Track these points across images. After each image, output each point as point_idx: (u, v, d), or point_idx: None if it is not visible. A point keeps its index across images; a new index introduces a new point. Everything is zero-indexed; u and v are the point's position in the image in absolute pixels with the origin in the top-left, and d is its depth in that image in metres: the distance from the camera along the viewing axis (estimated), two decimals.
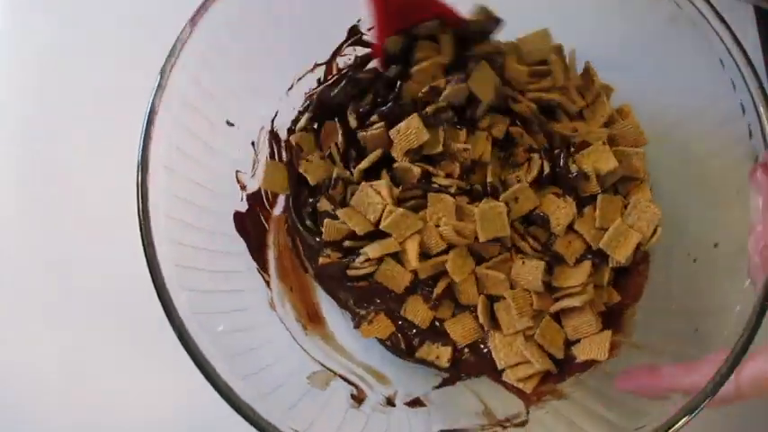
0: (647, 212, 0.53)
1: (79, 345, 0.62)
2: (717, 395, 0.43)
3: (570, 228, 0.54)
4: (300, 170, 0.58)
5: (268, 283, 0.58)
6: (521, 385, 0.52)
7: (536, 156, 0.56)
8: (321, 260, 0.57)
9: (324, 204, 0.57)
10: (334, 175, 0.57)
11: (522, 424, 0.52)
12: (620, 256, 0.52)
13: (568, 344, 0.53)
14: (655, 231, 0.53)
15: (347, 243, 0.56)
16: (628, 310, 0.55)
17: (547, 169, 0.55)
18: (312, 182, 0.58)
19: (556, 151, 0.56)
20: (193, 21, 0.50)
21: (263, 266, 0.59)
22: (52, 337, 0.63)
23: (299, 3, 0.57)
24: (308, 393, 0.52)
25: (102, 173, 0.63)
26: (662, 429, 0.43)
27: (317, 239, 0.58)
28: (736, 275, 0.47)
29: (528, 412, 0.53)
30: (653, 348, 0.52)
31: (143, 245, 0.47)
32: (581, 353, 0.52)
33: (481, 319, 0.54)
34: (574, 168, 0.54)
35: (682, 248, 0.54)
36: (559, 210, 0.54)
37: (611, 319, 0.55)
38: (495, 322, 0.54)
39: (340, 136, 0.58)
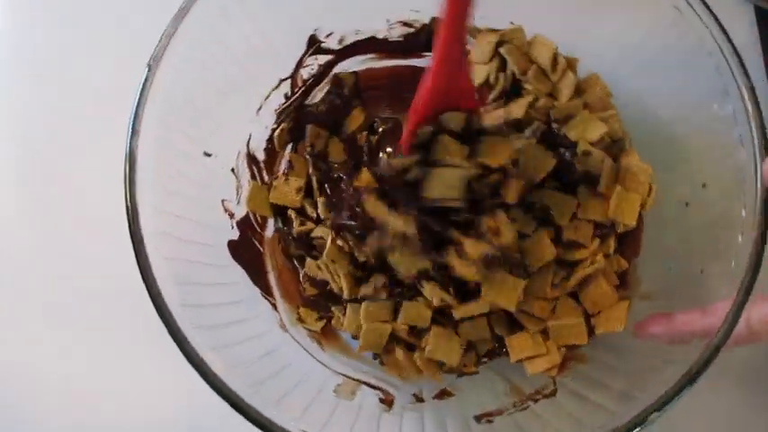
0: (639, 173, 0.54)
1: (79, 345, 0.62)
2: (731, 337, 0.43)
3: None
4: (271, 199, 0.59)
5: (275, 306, 0.58)
6: (545, 374, 0.53)
7: None
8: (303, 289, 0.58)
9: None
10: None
11: (553, 393, 0.53)
12: (629, 219, 0.53)
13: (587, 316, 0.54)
14: (650, 189, 0.54)
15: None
16: (630, 266, 0.56)
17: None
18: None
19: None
20: (155, 62, 0.50)
21: (266, 290, 0.58)
22: (52, 337, 0.63)
23: (252, 25, 0.57)
24: (338, 406, 0.52)
25: (101, 172, 0.59)
26: (693, 370, 0.44)
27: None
28: (730, 212, 0.49)
29: (555, 381, 0.53)
30: (662, 295, 0.53)
31: (150, 296, 0.47)
32: (600, 325, 0.53)
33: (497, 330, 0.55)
34: (580, 168, 0.54)
35: (672, 195, 0.55)
36: (562, 204, 0.54)
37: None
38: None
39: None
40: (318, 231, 0.57)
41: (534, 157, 0.54)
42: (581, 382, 0.52)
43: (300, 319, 0.57)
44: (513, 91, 0.60)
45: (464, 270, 0.49)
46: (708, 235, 0.51)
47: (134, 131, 0.49)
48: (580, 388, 0.52)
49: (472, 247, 0.49)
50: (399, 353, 0.54)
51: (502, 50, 0.59)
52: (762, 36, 0.66)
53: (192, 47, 0.52)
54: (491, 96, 0.59)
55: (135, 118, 0.49)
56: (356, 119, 0.61)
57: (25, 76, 0.70)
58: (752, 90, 0.48)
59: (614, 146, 0.57)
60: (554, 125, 0.57)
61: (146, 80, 0.49)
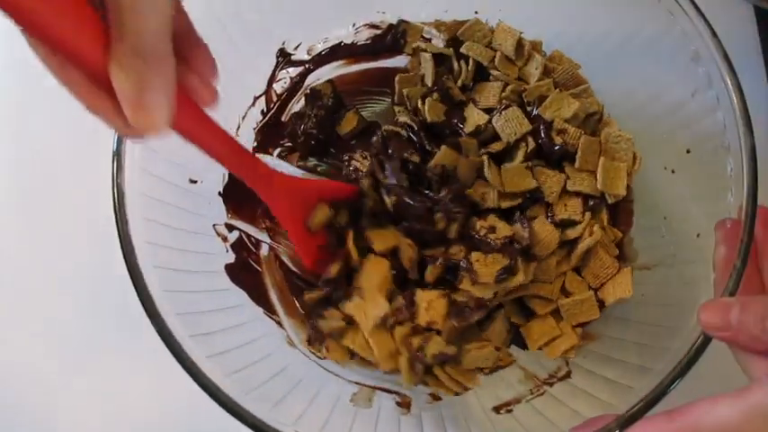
0: (620, 141, 0.55)
1: (78, 346, 0.62)
2: None
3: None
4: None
5: (280, 324, 0.58)
6: (564, 356, 0.53)
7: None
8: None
9: None
10: None
11: (567, 375, 0.53)
12: (618, 189, 0.54)
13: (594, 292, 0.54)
14: (635, 157, 0.55)
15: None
16: (625, 238, 0.57)
17: (532, 145, 0.55)
18: None
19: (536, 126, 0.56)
20: None
21: (269, 309, 0.58)
22: (51, 338, 0.62)
23: (224, 44, 0.56)
24: (357, 415, 0.52)
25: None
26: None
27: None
28: (717, 172, 0.49)
29: (568, 363, 0.54)
30: (662, 263, 0.54)
31: (158, 333, 0.46)
32: (608, 296, 0.53)
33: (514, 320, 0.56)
34: (558, 140, 0.55)
35: (657, 164, 0.55)
36: (550, 179, 0.54)
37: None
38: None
39: None
40: None
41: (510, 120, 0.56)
42: (594, 361, 0.53)
43: (310, 343, 0.57)
44: (481, 77, 0.61)
45: (480, 292, 0.51)
46: (698, 198, 0.52)
47: (119, 168, 0.48)
48: (594, 367, 0.52)
49: (483, 268, 0.51)
50: (439, 372, 0.53)
51: (463, 50, 0.60)
52: (762, 36, 0.66)
53: None
54: (458, 83, 0.60)
55: (118, 154, 0.49)
56: (350, 121, 0.61)
57: (13, 77, 0.68)
58: (723, 51, 0.49)
59: (591, 119, 0.58)
60: (528, 108, 0.57)
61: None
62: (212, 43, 0.54)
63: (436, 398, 0.55)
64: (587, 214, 0.55)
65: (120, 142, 0.49)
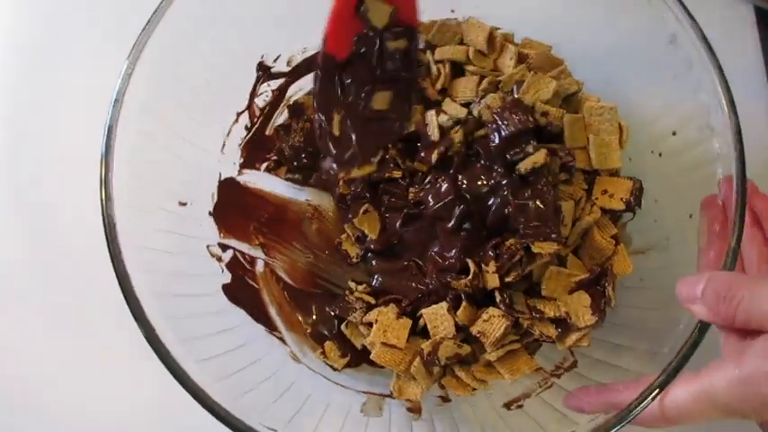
0: (603, 113, 0.55)
1: (77, 347, 0.61)
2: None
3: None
4: None
5: (282, 340, 0.57)
6: (576, 346, 0.53)
7: None
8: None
9: None
10: None
11: (574, 365, 0.53)
12: (614, 162, 0.54)
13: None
14: (621, 128, 0.55)
15: None
16: (618, 222, 0.57)
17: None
18: None
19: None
20: (114, 123, 0.49)
21: (270, 326, 0.58)
22: (45, 341, 0.62)
23: (203, 62, 0.56)
24: (369, 424, 0.52)
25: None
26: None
27: None
28: (704, 150, 0.50)
29: (572, 353, 0.54)
30: (657, 247, 0.54)
31: (163, 362, 0.46)
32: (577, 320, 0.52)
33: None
34: (543, 121, 0.55)
35: (646, 147, 0.56)
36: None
37: None
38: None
39: None
40: None
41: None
42: (599, 349, 0.53)
43: (324, 354, 0.56)
44: (457, 74, 0.61)
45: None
46: (688, 179, 0.52)
47: (108, 197, 0.48)
48: (600, 355, 0.52)
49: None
50: (461, 372, 0.53)
51: (437, 55, 0.60)
52: (762, 36, 0.65)
53: (150, 98, 0.51)
54: (437, 85, 0.60)
55: (105, 184, 0.48)
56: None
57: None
58: (700, 32, 0.49)
59: (572, 98, 0.59)
60: (508, 98, 0.57)
61: (107, 147, 0.48)
62: (191, 60, 0.55)
63: (446, 400, 0.55)
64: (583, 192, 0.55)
65: (106, 170, 0.48)
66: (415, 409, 0.54)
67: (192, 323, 0.50)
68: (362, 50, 0.52)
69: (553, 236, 0.52)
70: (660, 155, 0.55)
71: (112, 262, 0.47)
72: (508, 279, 0.53)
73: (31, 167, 0.66)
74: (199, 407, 0.45)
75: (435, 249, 0.57)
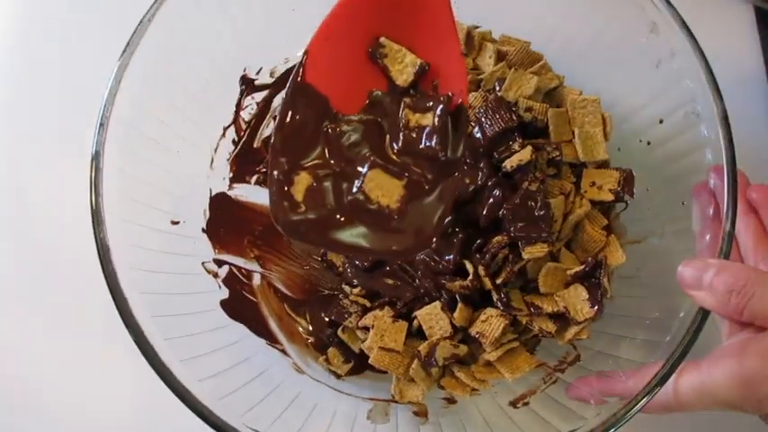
0: (586, 105, 0.56)
1: (77, 347, 0.61)
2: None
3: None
4: None
5: (284, 352, 0.57)
6: (576, 339, 0.53)
7: None
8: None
9: None
10: None
11: (577, 358, 0.53)
12: (600, 154, 0.54)
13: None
14: (604, 119, 0.56)
15: None
16: (611, 214, 0.57)
17: None
18: None
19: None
20: (100, 148, 0.49)
21: (271, 339, 0.58)
22: (45, 341, 0.62)
23: (186, 79, 0.55)
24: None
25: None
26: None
27: None
28: (692, 136, 0.50)
29: (575, 346, 0.54)
30: (652, 235, 0.54)
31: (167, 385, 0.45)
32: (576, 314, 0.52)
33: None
34: (528, 117, 0.55)
35: (633, 136, 0.56)
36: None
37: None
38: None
39: None
40: None
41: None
42: (602, 341, 0.53)
43: (328, 361, 0.56)
44: None
45: None
46: (678, 166, 0.53)
47: (99, 222, 0.47)
48: (603, 347, 0.53)
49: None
50: (460, 373, 0.53)
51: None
52: (762, 36, 0.65)
53: (135, 118, 0.51)
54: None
55: (96, 210, 0.48)
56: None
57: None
58: (680, 19, 0.49)
59: (554, 93, 0.59)
60: (490, 96, 0.57)
61: (95, 171, 0.48)
62: (174, 77, 0.55)
63: (452, 401, 0.55)
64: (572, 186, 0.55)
65: (96, 195, 0.48)
66: (421, 413, 0.54)
67: (192, 342, 0.50)
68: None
69: (543, 235, 0.52)
70: (648, 143, 0.55)
71: (108, 285, 0.47)
72: (499, 280, 0.53)
73: (31, 167, 0.66)
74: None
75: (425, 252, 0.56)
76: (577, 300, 0.52)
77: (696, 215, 0.50)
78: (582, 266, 0.53)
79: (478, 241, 0.55)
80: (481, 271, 0.53)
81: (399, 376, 0.54)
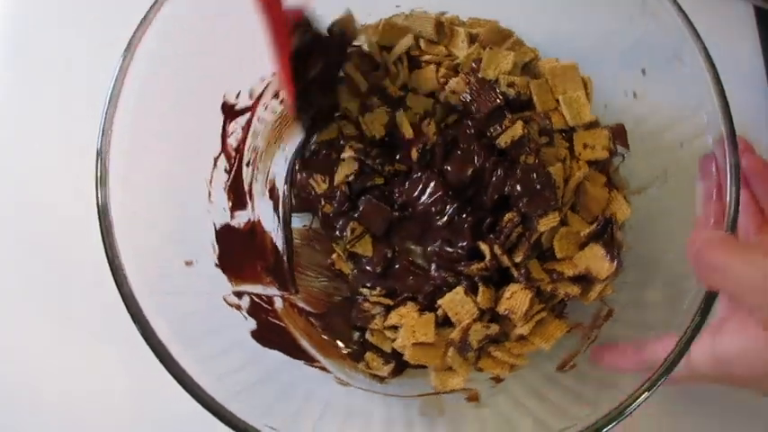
0: (566, 72, 0.57)
1: (76, 347, 0.62)
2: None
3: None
4: None
5: (324, 368, 0.57)
6: (600, 298, 0.54)
7: None
8: None
9: None
10: None
11: (610, 314, 0.55)
12: (587, 117, 0.56)
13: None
14: (585, 82, 0.58)
15: None
16: (609, 169, 0.59)
17: None
18: None
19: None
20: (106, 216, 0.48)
21: (308, 359, 0.57)
22: (45, 340, 0.63)
23: (170, 116, 0.54)
24: (436, 425, 0.52)
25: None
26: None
27: None
28: (676, 83, 0.51)
29: (605, 302, 0.55)
30: (657, 181, 0.55)
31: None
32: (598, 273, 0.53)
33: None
34: (512, 92, 0.56)
35: (618, 90, 0.58)
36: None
37: None
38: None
39: None
40: None
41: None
42: (624, 293, 0.54)
43: (368, 367, 0.56)
44: (415, 66, 0.61)
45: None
46: (668, 109, 0.54)
47: (122, 282, 0.46)
48: (632, 296, 0.54)
49: None
50: (496, 353, 0.54)
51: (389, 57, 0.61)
52: (762, 36, 0.66)
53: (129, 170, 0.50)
54: (397, 84, 0.61)
55: (114, 267, 0.46)
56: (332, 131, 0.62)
57: None
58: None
59: (530, 65, 0.60)
60: (470, 78, 0.58)
61: (103, 219, 0.47)
62: (157, 115, 0.53)
63: (498, 380, 0.56)
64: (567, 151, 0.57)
65: (112, 251, 0.47)
66: (472, 397, 0.55)
67: (233, 379, 0.49)
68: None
69: (552, 203, 0.53)
70: (635, 95, 0.57)
71: (142, 333, 0.46)
72: (518, 259, 0.54)
73: (30, 167, 0.67)
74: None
75: (436, 244, 0.57)
76: (596, 258, 0.53)
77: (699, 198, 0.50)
78: (594, 225, 0.54)
79: (488, 220, 0.56)
80: (497, 250, 0.54)
81: (437, 368, 0.54)
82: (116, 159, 0.48)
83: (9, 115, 0.69)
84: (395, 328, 0.56)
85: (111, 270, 0.46)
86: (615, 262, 0.52)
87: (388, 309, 0.57)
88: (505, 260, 0.54)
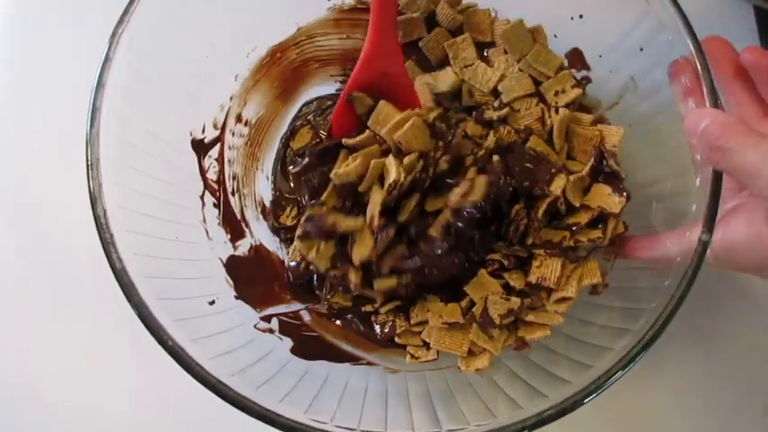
0: (516, 32, 0.59)
1: (76, 347, 0.62)
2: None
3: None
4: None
5: (371, 363, 0.57)
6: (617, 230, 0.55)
7: None
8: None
9: None
10: None
11: (625, 228, 0.55)
12: (555, 61, 0.58)
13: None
14: (534, 33, 0.60)
15: None
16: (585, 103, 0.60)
17: None
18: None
19: None
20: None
21: (353, 359, 0.57)
22: (44, 340, 0.62)
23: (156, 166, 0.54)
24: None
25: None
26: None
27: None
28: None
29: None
30: (627, 89, 0.57)
31: None
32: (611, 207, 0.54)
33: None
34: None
35: (564, 17, 0.59)
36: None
37: None
38: None
39: None
40: None
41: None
42: (628, 216, 0.55)
43: (414, 357, 0.56)
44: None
45: None
46: (619, 21, 0.55)
47: (153, 327, 0.46)
48: (634, 221, 0.55)
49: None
50: (534, 317, 0.54)
51: None
52: (762, 36, 0.66)
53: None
54: None
55: (143, 316, 0.46)
56: (304, 136, 0.63)
57: None
58: None
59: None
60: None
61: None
62: (140, 161, 0.53)
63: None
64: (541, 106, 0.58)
65: (145, 311, 0.46)
66: (521, 345, 0.55)
67: (297, 395, 0.49)
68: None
69: (553, 170, 0.54)
70: (581, 17, 0.58)
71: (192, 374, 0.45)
72: (530, 241, 0.54)
73: (30, 167, 0.66)
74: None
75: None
76: (605, 196, 0.54)
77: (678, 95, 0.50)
78: (591, 162, 0.55)
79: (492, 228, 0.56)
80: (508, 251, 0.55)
81: (464, 354, 0.54)
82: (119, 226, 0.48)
83: (9, 115, 0.69)
84: (421, 323, 0.56)
85: (151, 330, 0.46)
86: (624, 194, 0.53)
87: (400, 309, 0.57)
88: (521, 251, 0.55)
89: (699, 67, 0.48)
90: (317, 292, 0.59)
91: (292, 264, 0.59)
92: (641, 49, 0.54)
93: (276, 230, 0.62)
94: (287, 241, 0.61)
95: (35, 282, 0.64)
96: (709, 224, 0.46)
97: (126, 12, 0.50)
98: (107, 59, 0.49)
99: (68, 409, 0.61)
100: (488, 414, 0.49)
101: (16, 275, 0.64)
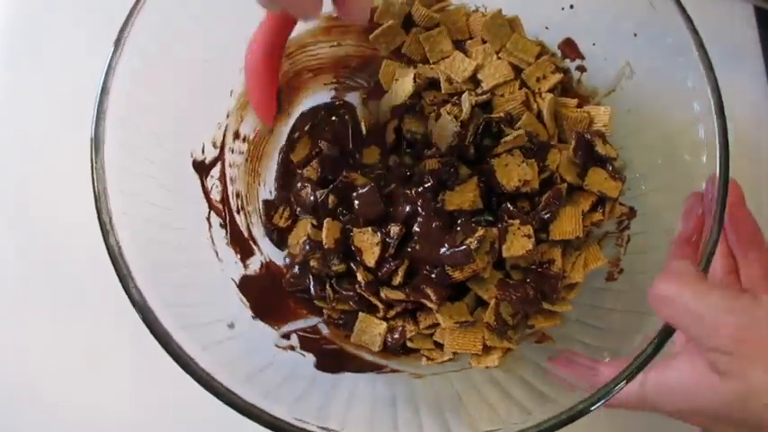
0: (495, 22, 0.59)
1: (76, 347, 0.62)
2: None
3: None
4: None
5: (394, 370, 0.57)
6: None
7: None
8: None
9: None
10: None
11: (633, 214, 0.56)
12: (532, 49, 0.59)
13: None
14: (512, 23, 0.60)
15: None
16: (573, 84, 0.61)
17: None
18: None
19: None
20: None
21: (377, 367, 0.57)
22: (45, 340, 0.63)
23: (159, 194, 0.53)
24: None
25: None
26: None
27: None
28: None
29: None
30: (622, 75, 0.57)
31: None
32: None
33: None
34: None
35: (553, 8, 0.59)
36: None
37: None
38: None
39: None
40: None
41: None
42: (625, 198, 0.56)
43: (431, 360, 0.56)
44: None
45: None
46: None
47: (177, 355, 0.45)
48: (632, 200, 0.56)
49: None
50: (548, 305, 0.54)
51: None
52: (762, 36, 0.66)
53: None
54: None
55: (168, 346, 0.45)
56: (303, 148, 0.63)
57: None
58: None
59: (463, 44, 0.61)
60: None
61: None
62: (139, 186, 0.52)
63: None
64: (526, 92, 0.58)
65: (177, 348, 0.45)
66: (543, 338, 0.56)
67: (331, 411, 0.49)
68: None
69: (552, 143, 0.56)
70: (572, 7, 0.58)
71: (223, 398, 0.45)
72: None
73: (30, 167, 0.66)
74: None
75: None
76: (602, 180, 0.55)
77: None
78: (574, 140, 0.55)
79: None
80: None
81: (478, 353, 0.54)
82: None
83: (9, 115, 0.68)
84: (431, 326, 0.56)
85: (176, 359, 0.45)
86: (618, 178, 0.54)
87: (409, 312, 0.57)
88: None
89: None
90: (316, 301, 0.58)
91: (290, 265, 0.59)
92: (635, 35, 0.55)
93: (269, 231, 0.61)
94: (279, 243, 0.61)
95: (35, 282, 0.64)
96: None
97: (118, 40, 0.49)
98: (104, 91, 0.48)
99: (68, 409, 0.62)
100: None
101: (16, 275, 0.64)
